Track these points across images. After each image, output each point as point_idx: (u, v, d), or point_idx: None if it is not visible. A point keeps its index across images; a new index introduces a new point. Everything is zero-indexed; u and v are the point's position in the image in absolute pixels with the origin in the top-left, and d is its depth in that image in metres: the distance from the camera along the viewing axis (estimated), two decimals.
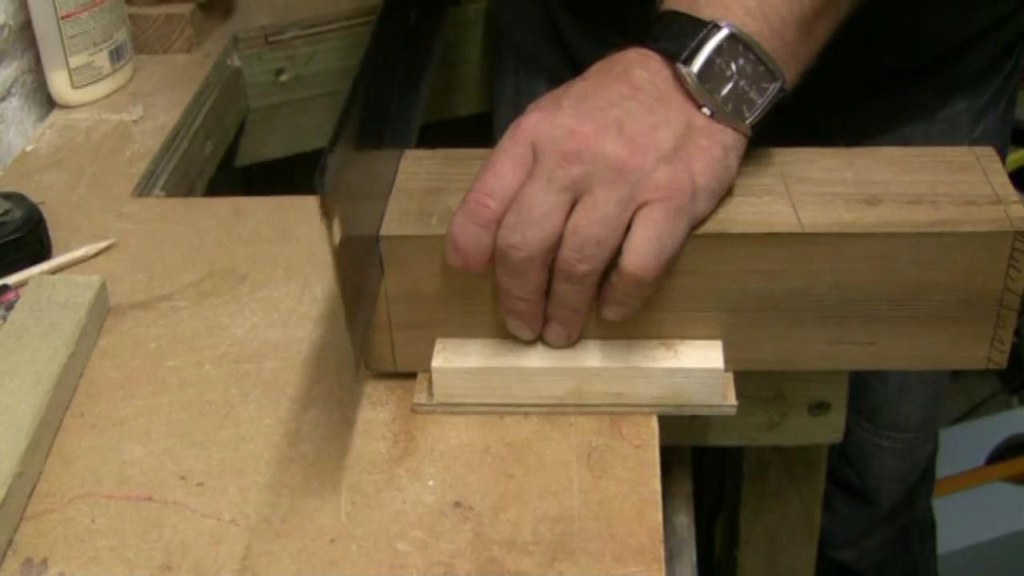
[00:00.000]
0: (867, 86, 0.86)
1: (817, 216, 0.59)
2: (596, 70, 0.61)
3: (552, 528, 0.55)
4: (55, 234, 0.76)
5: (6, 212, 0.73)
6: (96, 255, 0.74)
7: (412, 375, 0.63)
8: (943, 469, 1.41)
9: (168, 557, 0.55)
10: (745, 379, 0.64)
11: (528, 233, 0.56)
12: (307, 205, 0.79)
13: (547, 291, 0.58)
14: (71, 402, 0.64)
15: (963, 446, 1.52)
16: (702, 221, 0.58)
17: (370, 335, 0.61)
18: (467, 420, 0.61)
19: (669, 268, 0.57)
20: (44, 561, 0.55)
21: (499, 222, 0.57)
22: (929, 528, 1.30)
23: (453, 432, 0.60)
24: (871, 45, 0.64)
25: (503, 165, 0.57)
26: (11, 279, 0.71)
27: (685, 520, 0.69)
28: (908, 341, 0.61)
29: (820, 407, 0.68)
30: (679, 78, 0.59)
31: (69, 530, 0.56)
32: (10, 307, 0.68)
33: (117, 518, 0.57)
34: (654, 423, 0.60)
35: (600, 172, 0.56)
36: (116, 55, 0.92)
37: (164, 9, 0.97)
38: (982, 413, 1.73)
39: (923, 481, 1.23)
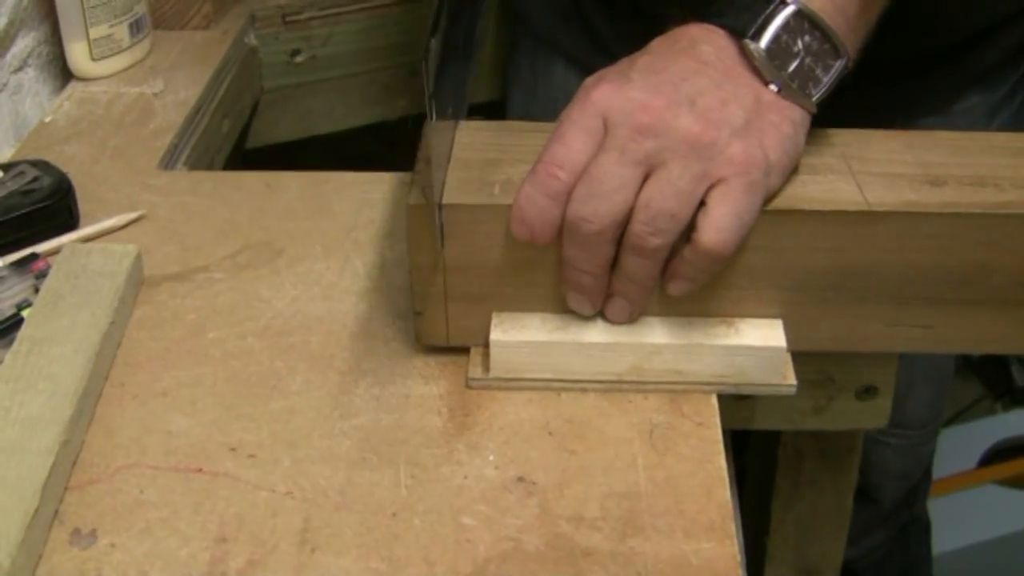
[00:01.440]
0: (882, 75, 0.85)
1: (883, 195, 0.58)
2: (659, 45, 0.60)
3: (620, 504, 0.54)
4: (81, 205, 0.73)
5: (34, 179, 0.71)
6: (126, 226, 0.72)
7: (463, 351, 0.62)
8: (935, 471, 1.42)
9: (223, 529, 0.53)
10: (793, 361, 0.63)
11: (600, 206, 0.55)
12: (341, 181, 0.77)
13: (612, 265, 0.57)
14: (110, 372, 0.62)
15: (954, 449, 1.53)
16: (770, 198, 0.57)
17: (424, 308, 0.60)
18: (524, 396, 0.60)
19: (740, 245, 0.56)
20: (93, 532, 0.53)
21: (569, 194, 0.55)
22: (925, 528, 1.30)
23: (510, 407, 0.59)
24: (886, 32, 0.64)
25: (573, 136, 0.56)
26: (40, 248, 0.69)
27: (732, 502, 0.68)
28: (967, 323, 0.61)
29: (868, 391, 0.67)
30: (746, 54, 0.58)
31: (117, 501, 0.54)
32: (40, 275, 0.66)
33: (167, 489, 0.55)
34: (714, 401, 0.59)
35: (673, 146, 0.55)
36: (135, 28, 0.89)
37: None
38: (967, 419, 1.74)
39: (923, 480, 1.23)
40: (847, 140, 0.63)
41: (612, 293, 0.58)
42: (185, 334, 0.64)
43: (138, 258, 0.67)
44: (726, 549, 0.52)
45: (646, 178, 0.55)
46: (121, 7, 0.88)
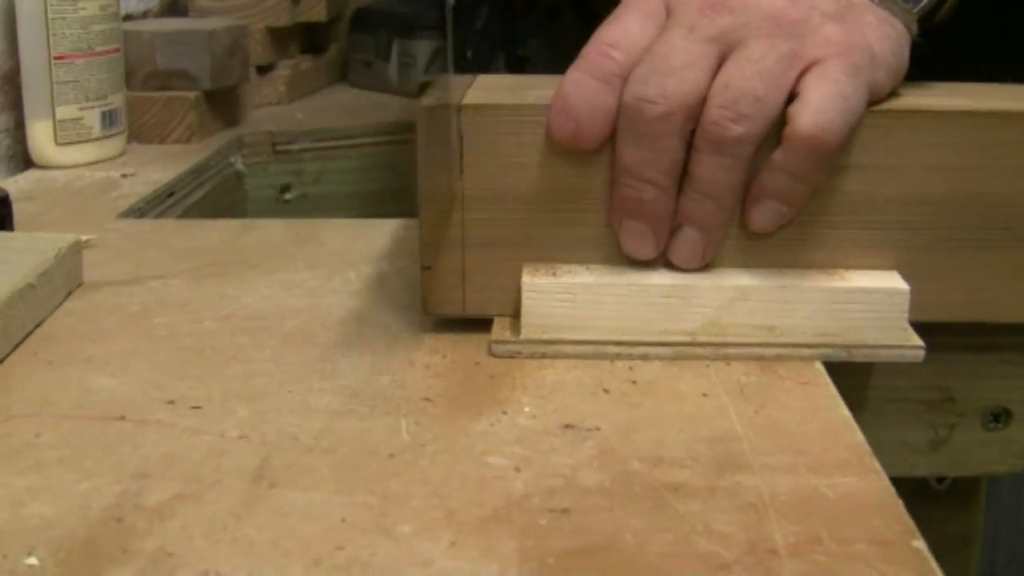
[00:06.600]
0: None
1: (1011, 105, 0.47)
2: None
3: (712, 447, 0.38)
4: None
5: None
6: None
7: (483, 327, 0.47)
8: None
9: (145, 467, 0.37)
10: (899, 374, 0.50)
11: (668, 84, 0.43)
12: (332, 225, 0.65)
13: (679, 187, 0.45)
14: (23, 344, 0.47)
15: None
16: (877, 100, 0.46)
17: (435, 259, 0.47)
18: (566, 364, 0.45)
19: (847, 142, 0.44)
20: None
21: (625, 78, 0.44)
22: None
23: (550, 372, 0.44)
24: (970, 54, 0.56)
25: (629, 17, 0.46)
26: None
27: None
28: None
29: (998, 418, 0.52)
30: None
31: (1, 443, 0.38)
32: None
33: (72, 433, 0.39)
34: (820, 367, 0.45)
35: (755, 23, 0.44)
36: (109, 119, 0.80)
37: (166, 93, 0.87)
38: None
39: None
40: (938, 85, 0.52)
41: (680, 223, 0.45)
42: (125, 318, 0.50)
43: (76, 247, 0.54)
44: (873, 482, 0.36)
45: (722, 63, 0.44)
46: (94, 91, 0.79)
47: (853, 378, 0.48)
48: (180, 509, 0.34)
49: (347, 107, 1.05)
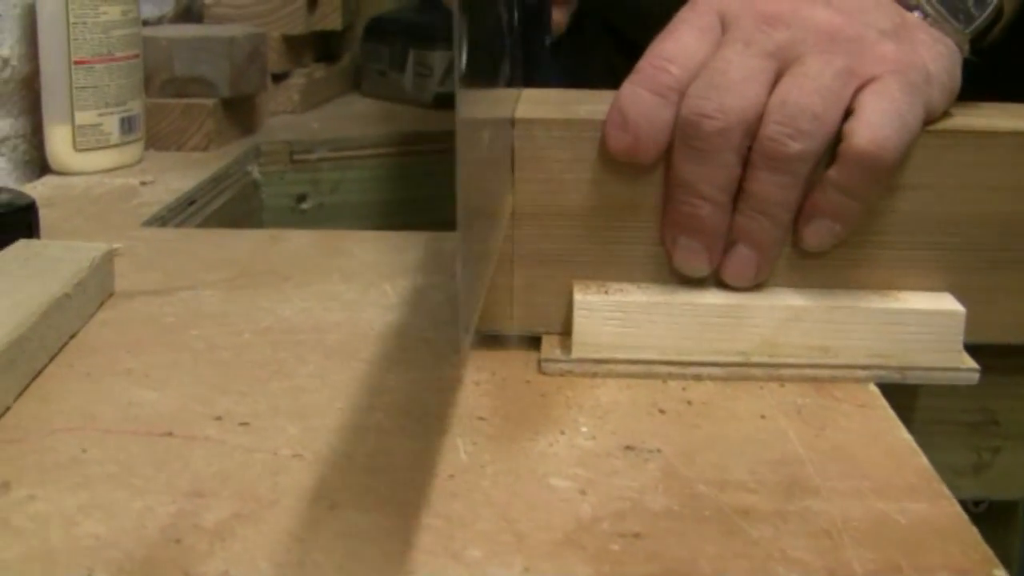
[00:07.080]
0: None
1: None
2: None
3: (777, 470, 0.37)
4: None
5: None
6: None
7: (530, 347, 0.46)
8: None
9: (198, 484, 0.36)
10: (943, 396, 0.49)
11: (726, 99, 0.42)
12: (361, 236, 0.64)
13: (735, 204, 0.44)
14: (59, 355, 0.46)
15: None
16: (932, 119, 0.45)
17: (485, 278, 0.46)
18: (618, 383, 0.44)
19: (903, 159, 0.44)
20: (5, 484, 0.36)
21: (681, 92, 0.43)
22: None
23: (603, 392, 0.43)
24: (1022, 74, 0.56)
25: (684, 32, 0.45)
26: None
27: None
28: None
29: None
30: None
31: (46, 458, 0.37)
32: None
33: (119, 449, 0.38)
34: (874, 390, 0.44)
35: (811, 39, 0.44)
36: (127, 126, 0.79)
37: (184, 100, 0.86)
38: None
39: None
40: (990, 106, 0.51)
41: (734, 240, 0.45)
42: (160, 330, 0.49)
43: (108, 256, 0.53)
44: (944, 508, 0.35)
45: (778, 79, 0.44)
46: (113, 97, 0.78)
47: (898, 399, 0.48)
48: (240, 530, 0.33)
49: (362, 117, 1.04)
